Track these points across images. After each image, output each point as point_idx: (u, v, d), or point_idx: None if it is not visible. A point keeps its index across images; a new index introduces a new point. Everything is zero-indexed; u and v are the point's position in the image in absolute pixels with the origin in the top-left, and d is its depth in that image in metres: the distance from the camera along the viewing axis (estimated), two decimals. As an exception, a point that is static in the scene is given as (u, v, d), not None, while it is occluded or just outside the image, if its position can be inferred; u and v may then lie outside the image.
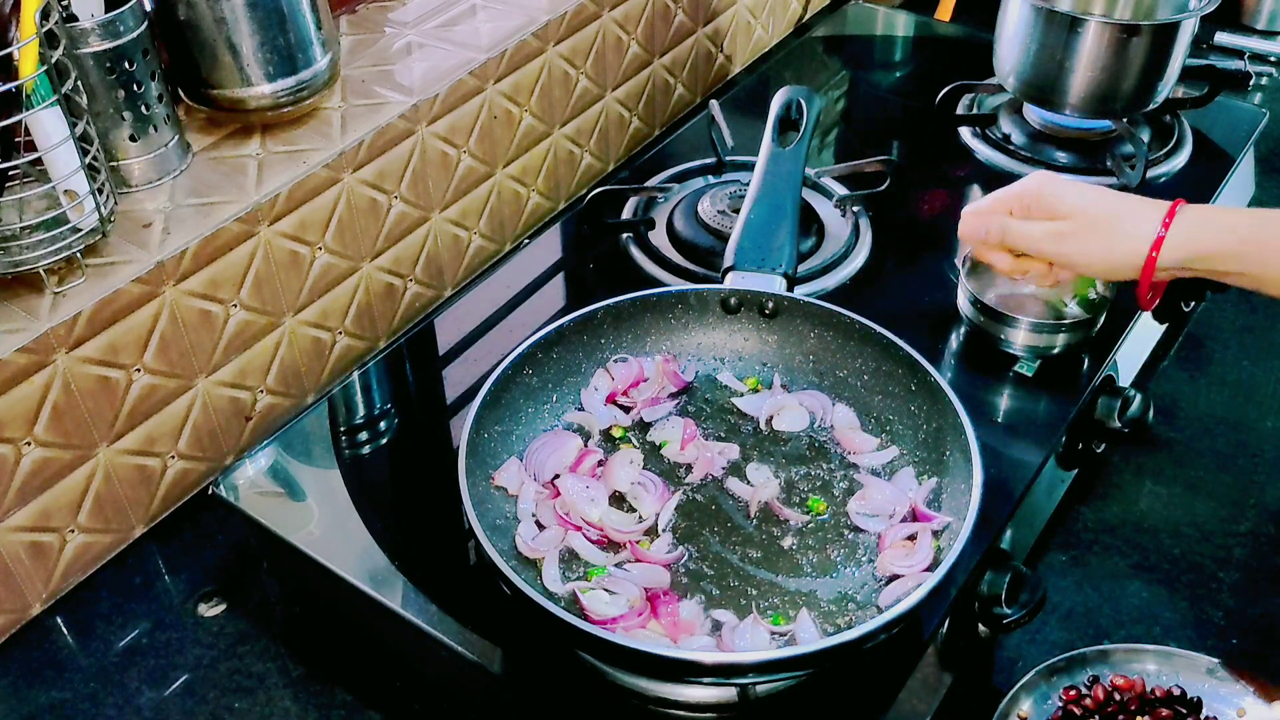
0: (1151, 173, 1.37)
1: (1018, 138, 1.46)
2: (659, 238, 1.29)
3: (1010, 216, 1.00)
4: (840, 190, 1.33)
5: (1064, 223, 0.97)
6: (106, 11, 0.98)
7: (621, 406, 1.04)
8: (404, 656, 0.96)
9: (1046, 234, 0.98)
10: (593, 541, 0.92)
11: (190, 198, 1.05)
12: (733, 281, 1.07)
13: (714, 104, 1.41)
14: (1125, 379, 1.17)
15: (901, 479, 0.96)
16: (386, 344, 1.26)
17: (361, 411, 1.11)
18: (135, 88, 1.02)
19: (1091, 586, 1.02)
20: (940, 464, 0.95)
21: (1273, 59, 1.72)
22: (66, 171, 0.92)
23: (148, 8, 1.03)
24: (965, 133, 1.47)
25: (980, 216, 1.01)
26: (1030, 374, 1.10)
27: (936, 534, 0.90)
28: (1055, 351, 1.12)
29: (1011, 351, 1.12)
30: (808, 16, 1.85)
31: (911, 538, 0.90)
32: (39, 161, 0.92)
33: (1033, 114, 1.47)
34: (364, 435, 1.08)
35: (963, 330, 1.15)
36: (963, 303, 1.15)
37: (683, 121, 1.58)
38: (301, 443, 1.05)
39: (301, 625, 1.01)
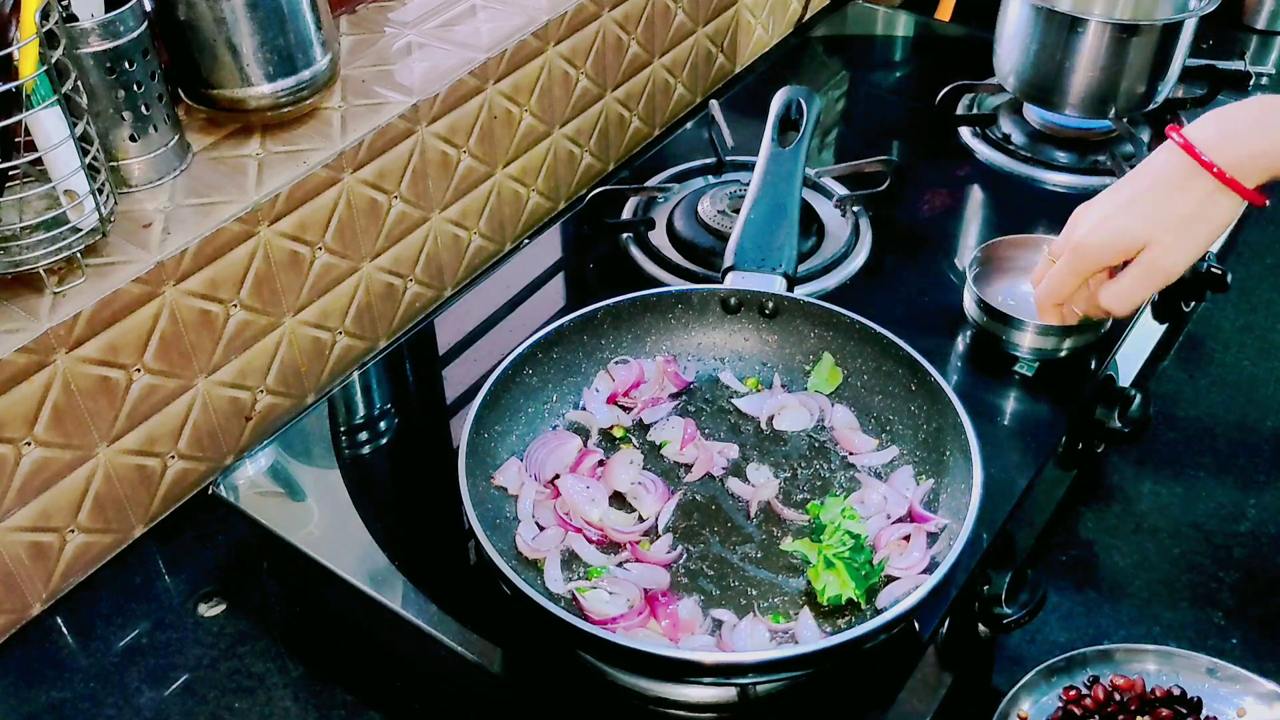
0: (1151, 173, 1.36)
1: (1018, 138, 1.46)
2: (659, 238, 1.29)
3: (1085, 284, 0.98)
4: (840, 190, 1.33)
5: (1145, 251, 0.93)
6: (106, 11, 0.98)
7: (622, 407, 1.04)
8: (404, 656, 0.96)
9: (1137, 276, 0.93)
10: (592, 542, 0.92)
11: (190, 198, 1.05)
12: (733, 281, 1.07)
13: (714, 104, 1.41)
14: (1125, 379, 1.17)
15: (900, 479, 0.96)
16: (386, 344, 1.26)
17: (361, 411, 1.11)
18: (135, 88, 1.02)
19: (1091, 586, 1.02)
20: (940, 464, 0.95)
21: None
22: (66, 171, 0.92)
23: (148, 8, 1.03)
24: (965, 133, 1.47)
25: (1058, 294, 0.99)
26: (1030, 374, 1.10)
27: (934, 535, 0.90)
28: (1060, 354, 1.11)
29: (1014, 353, 1.12)
30: (808, 16, 1.84)
31: (906, 538, 0.90)
32: (39, 161, 0.92)
33: (1033, 114, 1.47)
34: (364, 435, 1.08)
35: (963, 330, 1.15)
36: (969, 305, 1.15)
37: (683, 121, 1.58)
38: (301, 443, 1.05)
39: (301, 625, 1.01)
